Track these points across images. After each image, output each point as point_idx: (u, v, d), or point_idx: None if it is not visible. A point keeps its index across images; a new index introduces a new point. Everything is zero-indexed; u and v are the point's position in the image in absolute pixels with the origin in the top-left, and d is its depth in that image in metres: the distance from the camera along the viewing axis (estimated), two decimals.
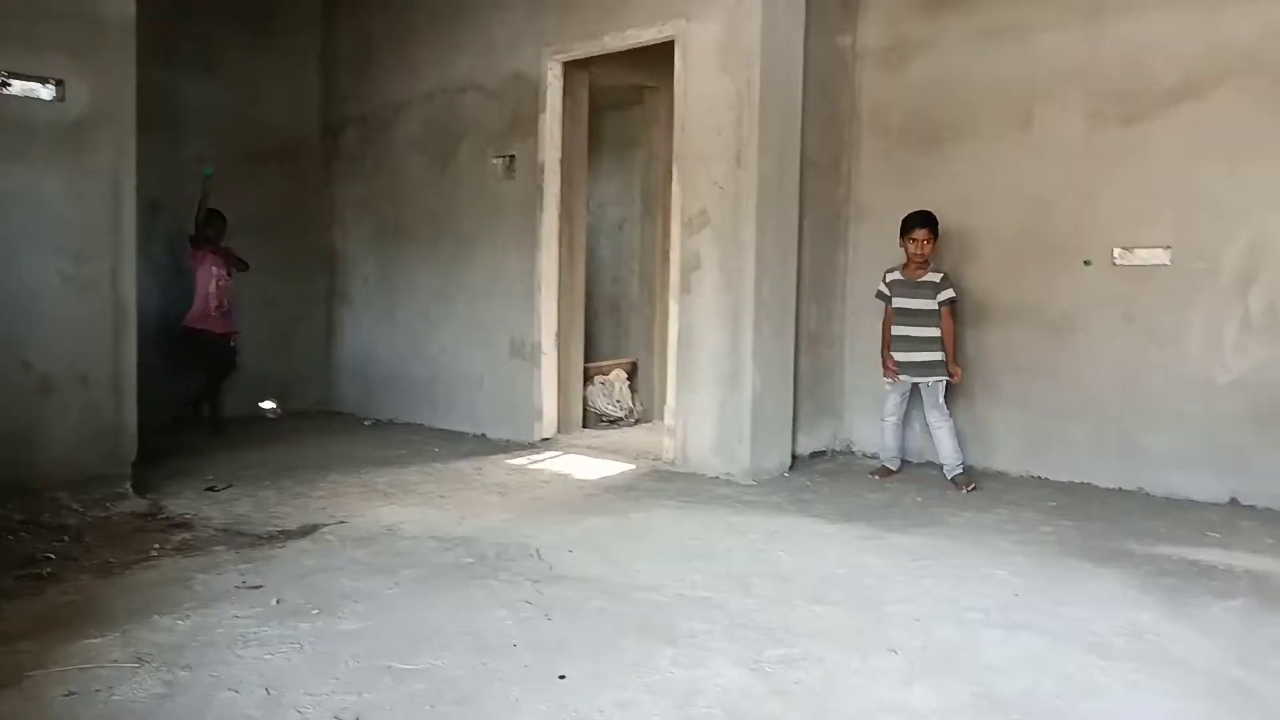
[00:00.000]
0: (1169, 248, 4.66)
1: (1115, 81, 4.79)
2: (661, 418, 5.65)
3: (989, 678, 2.63)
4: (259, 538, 3.93)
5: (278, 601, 3.15)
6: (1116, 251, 4.81)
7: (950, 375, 4.93)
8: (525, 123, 6.10)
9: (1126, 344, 4.80)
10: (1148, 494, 4.76)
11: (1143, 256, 4.74)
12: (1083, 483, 4.96)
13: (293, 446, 6.02)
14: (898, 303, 5.01)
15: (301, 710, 2.40)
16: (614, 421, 6.88)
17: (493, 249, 6.35)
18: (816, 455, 5.71)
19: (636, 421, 6.95)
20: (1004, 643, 2.87)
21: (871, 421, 5.76)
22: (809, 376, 5.62)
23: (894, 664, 2.72)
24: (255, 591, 3.25)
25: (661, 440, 5.56)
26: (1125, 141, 4.78)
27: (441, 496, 4.73)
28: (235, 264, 6.52)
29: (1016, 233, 5.14)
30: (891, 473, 5.21)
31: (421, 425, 6.78)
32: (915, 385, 5.02)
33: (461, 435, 6.47)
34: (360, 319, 7.36)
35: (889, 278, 5.05)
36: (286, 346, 7.40)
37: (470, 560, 3.65)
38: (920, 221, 4.92)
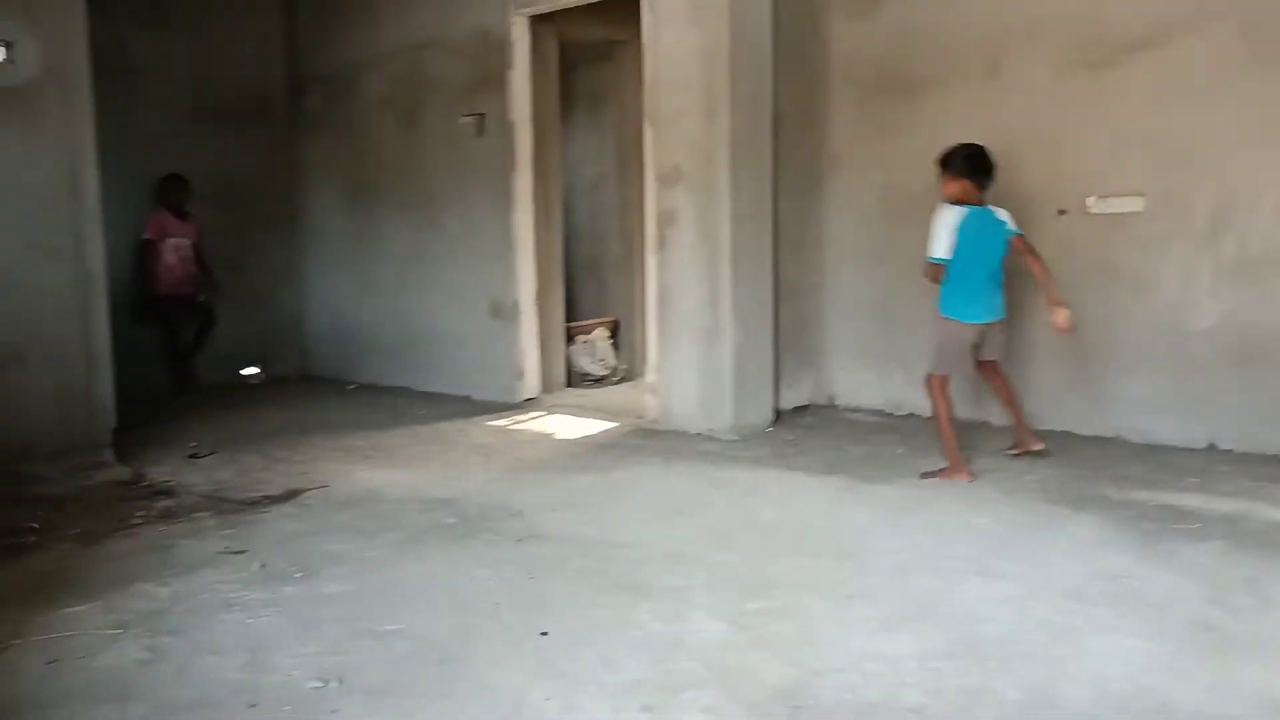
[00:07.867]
0: (1142, 195, 4.65)
1: (1080, 29, 4.74)
2: (645, 376, 5.64)
3: (967, 624, 2.66)
4: (241, 503, 3.93)
5: (261, 566, 3.16)
6: (1090, 200, 4.80)
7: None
8: (493, 80, 5.99)
9: (1100, 292, 4.81)
10: (1125, 440, 4.79)
11: (1116, 205, 4.73)
12: (1063, 430, 4.99)
13: (275, 411, 6.00)
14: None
15: (284, 672, 2.41)
16: (598, 380, 6.87)
17: (466, 209, 6.28)
18: (799, 409, 5.72)
19: (621, 380, 6.94)
20: (982, 589, 2.91)
21: (853, 374, 5.77)
22: (789, 329, 5.61)
23: (873, 612, 2.76)
24: (238, 557, 3.26)
25: (644, 398, 5.57)
26: (1092, 88, 4.73)
27: (424, 459, 4.73)
28: (199, 244, 6.61)
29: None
30: None
31: (406, 388, 6.74)
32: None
33: (445, 397, 6.44)
34: (333, 282, 7.28)
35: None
36: (260, 312, 7.27)
37: (452, 521, 3.65)
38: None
